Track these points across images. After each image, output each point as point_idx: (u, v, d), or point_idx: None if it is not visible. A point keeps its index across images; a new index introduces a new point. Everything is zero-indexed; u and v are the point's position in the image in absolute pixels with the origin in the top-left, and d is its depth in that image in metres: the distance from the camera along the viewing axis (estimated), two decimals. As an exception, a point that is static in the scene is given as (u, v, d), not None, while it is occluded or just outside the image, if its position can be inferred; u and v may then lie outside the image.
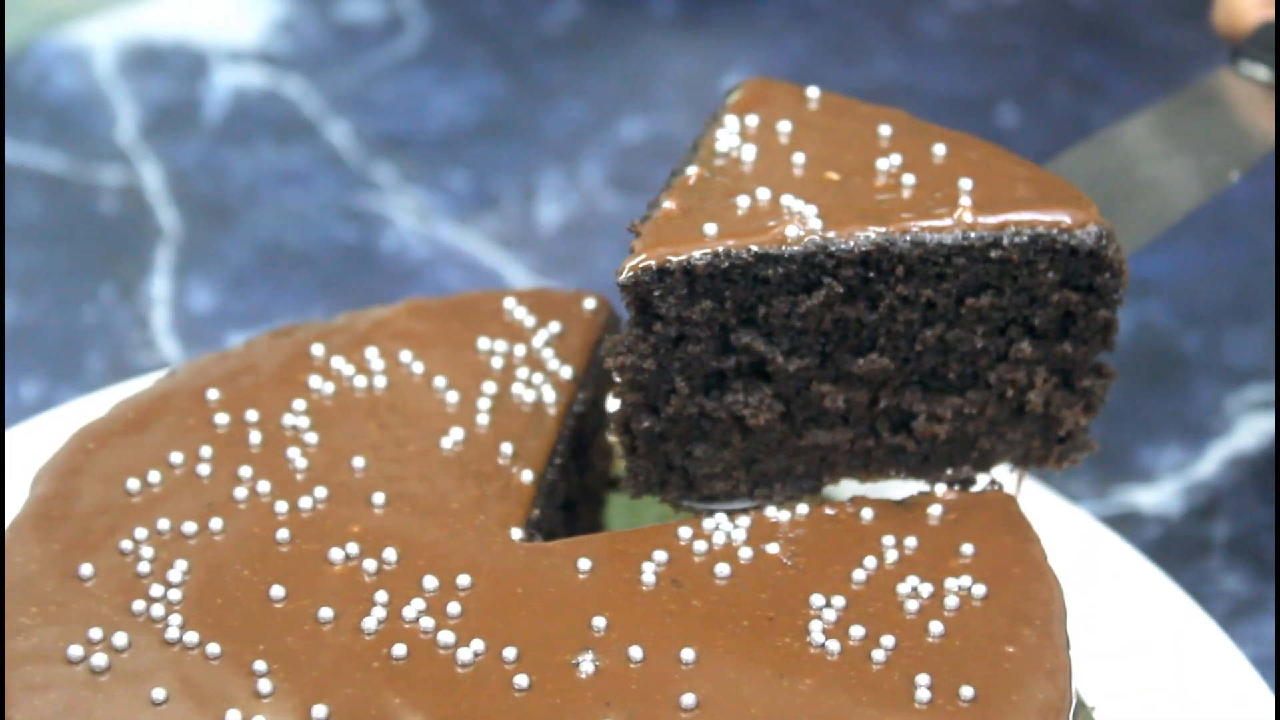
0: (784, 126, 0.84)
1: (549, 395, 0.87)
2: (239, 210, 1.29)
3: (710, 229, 0.78)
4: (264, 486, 0.81)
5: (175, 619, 0.75)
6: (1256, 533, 1.06)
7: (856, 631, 0.74)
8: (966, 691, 0.72)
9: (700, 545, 0.78)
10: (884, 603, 0.76)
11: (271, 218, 1.28)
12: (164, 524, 0.79)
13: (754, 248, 0.78)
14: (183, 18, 1.45)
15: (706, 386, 0.81)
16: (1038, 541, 0.79)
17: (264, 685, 0.72)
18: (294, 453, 0.83)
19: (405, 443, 0.84)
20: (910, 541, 0.79)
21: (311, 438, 0.84)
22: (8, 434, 0.94)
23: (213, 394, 0.86)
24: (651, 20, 1.48)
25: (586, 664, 0.73)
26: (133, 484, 0.81)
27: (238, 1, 1.48)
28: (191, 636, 0.74)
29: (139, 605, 0.76)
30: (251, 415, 0.85)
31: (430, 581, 0.76)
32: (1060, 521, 0.93)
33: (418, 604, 0.75)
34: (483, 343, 0.89)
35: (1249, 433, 1.12)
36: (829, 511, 0.80)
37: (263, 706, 0.72)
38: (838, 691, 0.72)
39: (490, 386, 0.87)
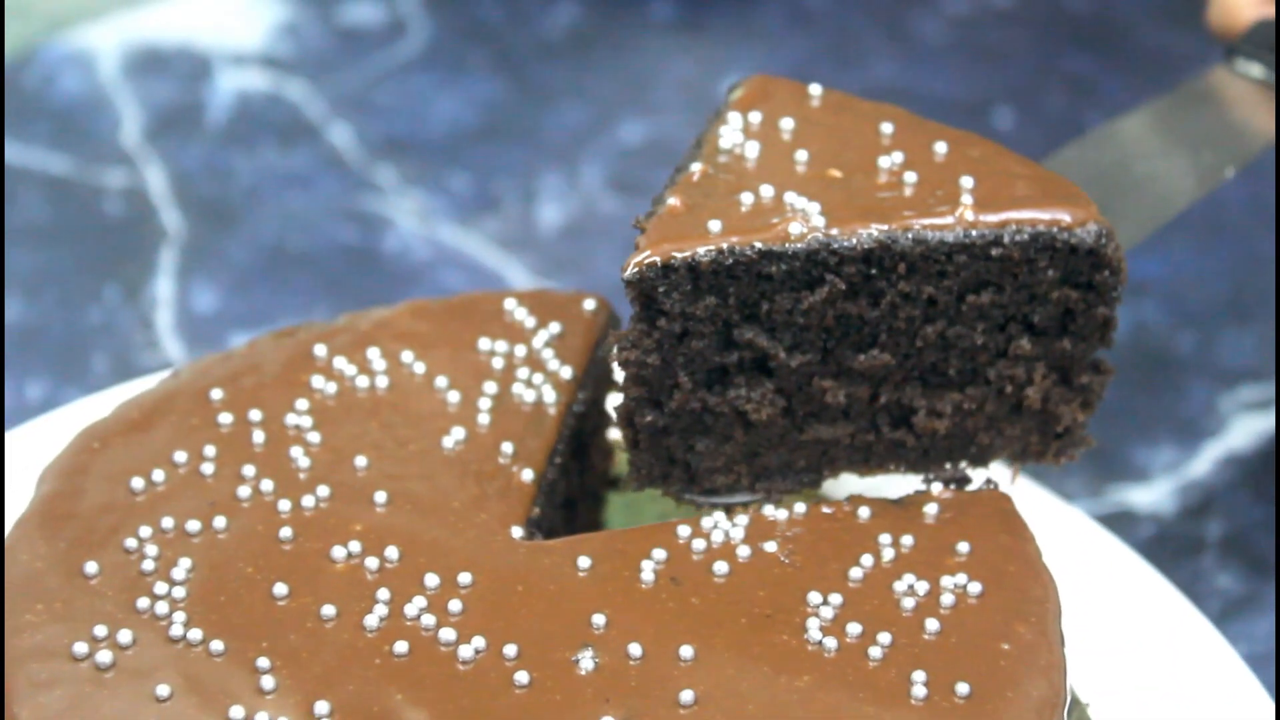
0: (787, 124, 0.84)
1: (549, 395, 0.87)
2: (242, 212, 1.29)
3: (714, 226, 0.78)
4: (267, 485, 0.81)
5: (179, 616, 0.75)
6: (1249, 532, 1.06)
7: (853, 629, 0.75)
8: (962, 688, 0.72)
9: (699, 544, 0.78)
10: (880, 600, 0.76)
11: (274, 219, 1.28)
12: (168, 522, 0.79)
13: (758, 244, 0.78)
14: (186, 21, 1.45)
15: (709, 381, 0.81)
16: (1033, 540, 0.80)
17: (267, 682, 0.72)
18: (297, 452, 0.83)
19: (407, 442, 0.84)
20: (907, 540, 0.79)
21: (314, 437, 0.84)
22: (14, 433, 0.94)
23: (216, 394, 0.86)
24: (650, 24, 1.48)
25: (586, 661, 0.73)
26: (137, 483, 0.81)
27: (241, 5, 1.48)
28: (195, 634, 0.74)
29: (143, 603, 0.76)
30: (255, 415, 0.85)
31: (431, 579, 0.76)
32: (1055, 520, 0.93)
33: (419, 602, 0.75)
34: (483, 343, 0.89)
35: (1242, 432, 1.12)
36: (826, 510, 0.80)
37: (265, 703, 0.72)
38: (835, 688, 0.73)
39: (491, 386, 0.87)
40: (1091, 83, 1.43)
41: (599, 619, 0.75)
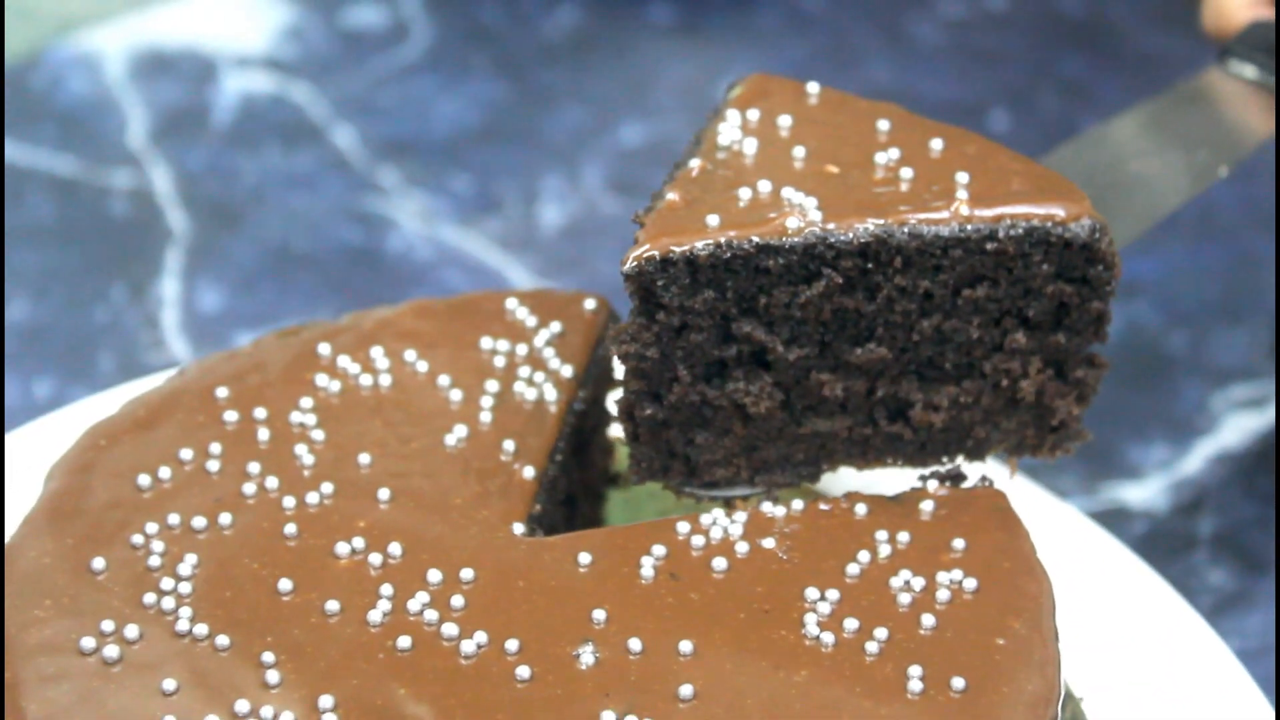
0: (784, 121, 0.85)
1: (550, 393, 0.87)
2: (247, 212, 1.29)
3: (712, 220, 0.78)
4: (272, 482, 0.81)
5: (185, 611, 0.75)
6: (1241, 528, 1.06)
7: (850, 624, 0.75)
8: (958, 682, 0.72)
9: (698, 540, 0.78)
10: (877, 596, 0.76)
11: (279, 220, 1.29)
12: (174, 519, 0.79)
13: (755, 239, 0.78)
14: (192, 25, 1.46)
15: (708, 375, 0.81)
16: (1027, 536, 0.80)
17: (272, 676, 0.73)
18: (301, 449, 0.83)
19: (410, 440, 0.84)
20: (903, 536, 0.79)
21: (318, 435, 0.84)
22: (21, 431, 0.95)
23: (222, 392, 0.86)
24: (650, 27, 1.49)
25: (587, 655, 0.74)
26: (143, 480, 0.81)
27: (246, 9, 1.48)
28: (201, 628, 0.74)
29: (150, 598, 0.76)
30: (260, 413, 0.85)
31: (434, 575, 0.77)
32: (1049, 517, 0.93)
33: (422, 597, 0.76)
34: (485, 342, 0.89)
35: (1234, 430, 1.13)
36: (823, 507, 0.80)
37: (271, 697, 0.72)
38: (832, 682, 0.73)
39: (493, 385, 0.87)
40: (1086, 85, 1.43)
41: (599, 614, 0.75)
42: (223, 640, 0.74)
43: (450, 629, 0.74)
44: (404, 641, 0.74)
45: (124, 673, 0.73)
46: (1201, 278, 1.25)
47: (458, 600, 0.76)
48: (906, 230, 0.79)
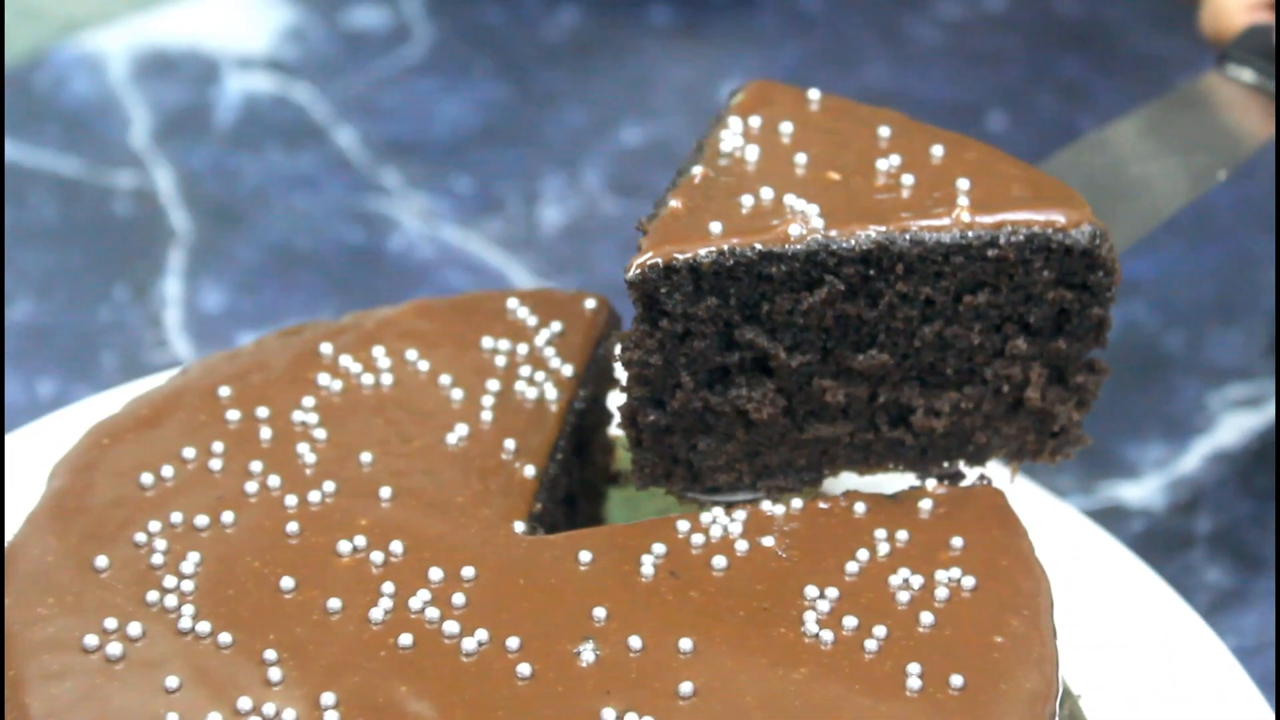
0: (786, 127, 0.85)
1: (551, 392, 0.87)
2: (249, 213, 1.29)
3: (715, 228, 0.79)
4: (274, 481, 0.81)
5: (188, 609, 0.75)
6: (1238, 527, 1.06)
7: (849, 622, 0.75)
8: (956, 680, 0.73)
9: (698, 538, 0.79)
10: (876, 594, 0.76)
11: (281, 220, 1.29)
12: (177, 517, 0.79)
13: (758, 246, 0.78)
14: (194, 26, 1.46)
15: (711, 381, 0.81)
16: (1025, 535, 0.80)
17: (274, 674, 0.73)
18: (303, 448, 0.83)
19: (411, 438, 0.84)
20: (901, 535, 0.79)
21: (320, 434, 0.84)
22: (25, 430, 0.95)
23: (224, 391, 0.86)
24: (650, 29, 1.49)
25: (587, 653, 0.74)
26: (146, 478, 0.81)
27: (248, 10, 1.48)
28: (204, 626, 0.75)
29: (153, 596, 0.76)
30: (262, 412, 0.85)
31: (435, 573, 0.77)
32: (1047, 515, 0.93)
33: (423, 595, 0.76)
34: (486, 341, 0.89)
35: (1230, 429, 1.13)
36: (822, 506, 0.81)
37: (273, 694, 0.72)
38: (831, 680, 0.73)
39: (494, 384, 0.87)
40: (1082, 86, 1.44)
41: (600, 612, 0.75)
42: (225, 638, 0.74)
43: (451, 627, 0.75)
44: (405, 639, 0.74)
45: (127, 670, 0.73)
46: (1198, 278, 1.25)
47: (459, 598, 0.76)
48: (908, 237, 0.79)
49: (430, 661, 0.74)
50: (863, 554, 0.78)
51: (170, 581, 0.77)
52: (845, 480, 0.87)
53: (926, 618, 0.75)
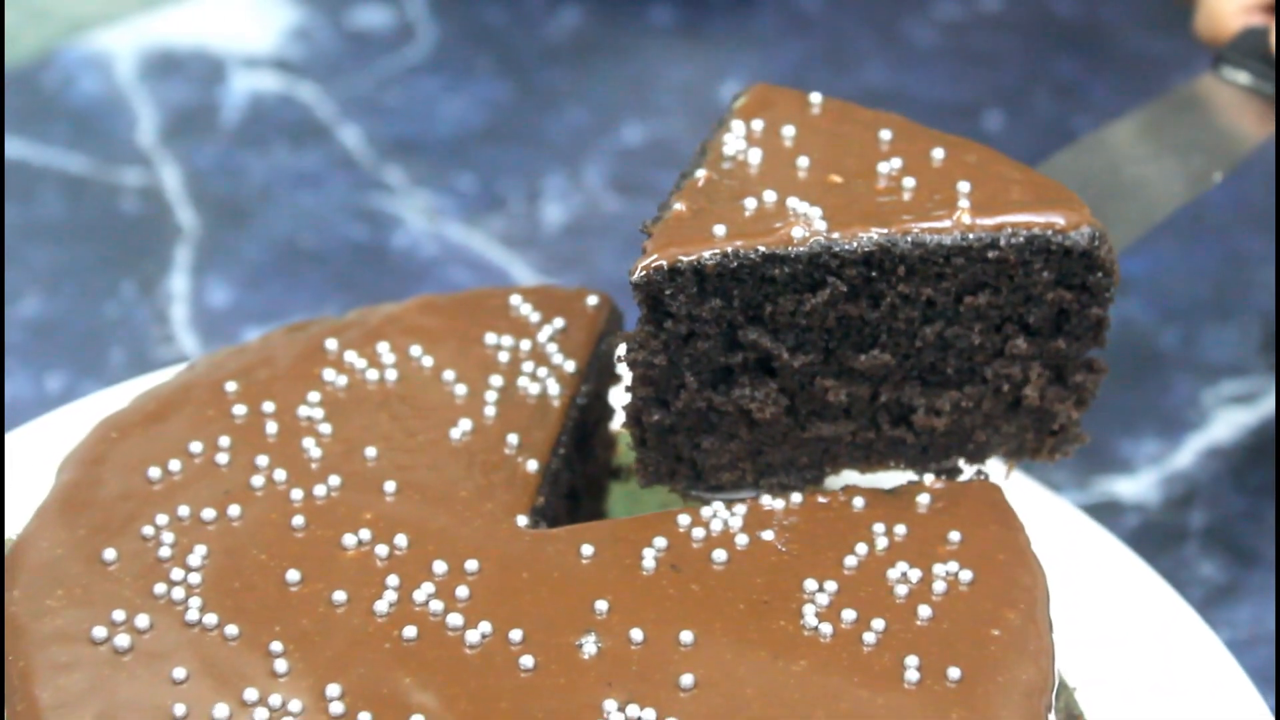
0: (788, 131, 0.85)
1: (553, 388, 0.87)
2: (255, 210, 1.30)
3: (719, 230, 0.79)
4: (280, 475, 0.82)
5: (195, 601, 0.76)
6: (1231, 522, 1.07)
7: (848, 615, 0.75)
8: (954, 672, 0.73)
9: (698, 532, 0.79)
10: (874, 587, 0.77)
11: (286, 217, 1.29)
12: (184, 510, 0.80)
13: (761, 248, 0.78)
14: (201, 25, 1.46)
15: (714, 381, 0.81)
16: (1022, 529, 0.80)
17: (280, 665, 0.73)
18: (309, 443, 0.84)
19: (415, 433, 0.84)
20: (900, 529, 0.79)
21: (326, 428, 0.84)
22: (34, 424, 0.95)
23: (231, 386, 0.87)
24: (651, 29, 1.49)
25: (589, 646, 0.74)
26: (154, 472, 0.82)
27: (254, 10, 1.48)
28: (211, 618, 0.75)
29: (160, 588, 0.76)
30: (268, 406, 0.85)
31: (439, 566, 0.77)
32: (1043, 510, 0.93)
33: (427, 588, 0.76)
34: (489, 338, 0.90)
35: (1224, 425, 1.13)
36: (822, 500, 0.81)
37: (279, 685, 0.72)
38: (830, 672, 0.73)
39: (497, 380, 0.87)
40: (1079, 87, 1.44)
41: (601, 605, 0.76)
42: (232, 630, 0.75)
43: (455, 619, 0.75)
44: (410, 631, 0.75)
45: (134, 662, 0.74)
46: (1192, 275, 1.25)
47: (462, 591, 0.76)
48: (910, 239, 0.79)
49: (434, 653, 0.74)
50: (861, 548, 0.79)
51: (178, 574, 0.77)
52: (846, 478, 0.87)
53: (924, 611, 0.76)
